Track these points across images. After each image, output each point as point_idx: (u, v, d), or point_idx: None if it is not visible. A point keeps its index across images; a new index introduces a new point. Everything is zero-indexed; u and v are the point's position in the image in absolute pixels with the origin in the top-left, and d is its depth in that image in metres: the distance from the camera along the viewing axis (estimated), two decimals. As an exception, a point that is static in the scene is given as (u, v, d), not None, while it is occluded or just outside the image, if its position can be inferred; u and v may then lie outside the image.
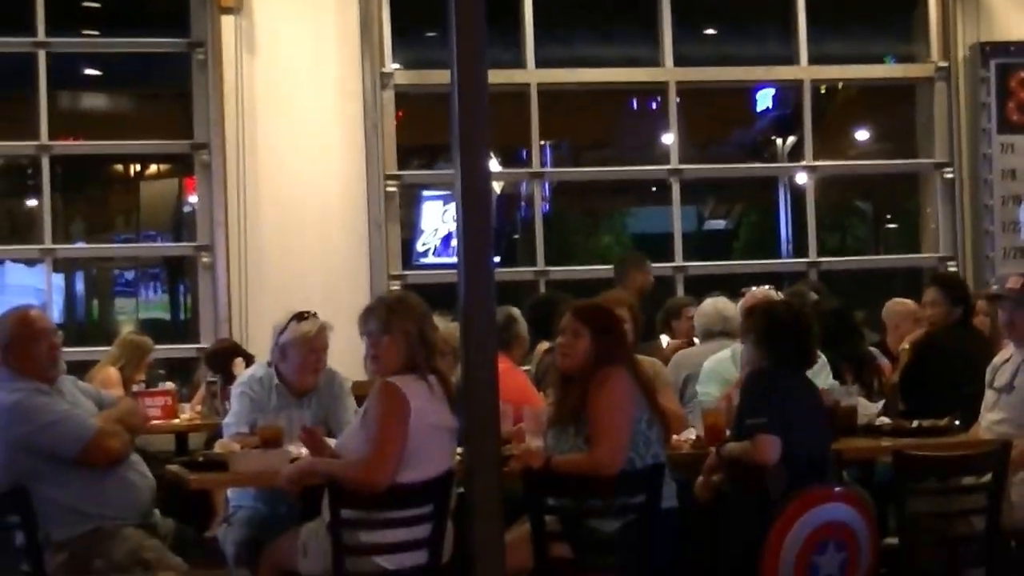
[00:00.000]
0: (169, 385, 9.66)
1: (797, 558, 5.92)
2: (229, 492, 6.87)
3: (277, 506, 6.52)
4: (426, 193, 11.93)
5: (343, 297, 9.38)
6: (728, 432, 6.44)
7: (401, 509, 5.83)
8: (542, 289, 11.04)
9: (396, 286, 10.48)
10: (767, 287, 8.15)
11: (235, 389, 6.92)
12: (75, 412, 6.14)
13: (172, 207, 13.27)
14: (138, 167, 13.96)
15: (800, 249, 12.29)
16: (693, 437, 6.78)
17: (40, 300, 10.40)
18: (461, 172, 5.04)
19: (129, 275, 13.74)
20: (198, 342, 10.62)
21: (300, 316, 6.75)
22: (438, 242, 11.75)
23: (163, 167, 13.50)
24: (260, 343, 9.14)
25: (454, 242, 9.81)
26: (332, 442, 6.18)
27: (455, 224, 5.15)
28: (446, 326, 6.64)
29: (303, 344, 6.71)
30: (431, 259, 11.72)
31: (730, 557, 6.24)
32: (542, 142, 11.90)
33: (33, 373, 6.14)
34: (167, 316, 12.79)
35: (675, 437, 6.63)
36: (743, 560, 6.05)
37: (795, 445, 6.07)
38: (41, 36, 10.64)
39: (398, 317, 5.97)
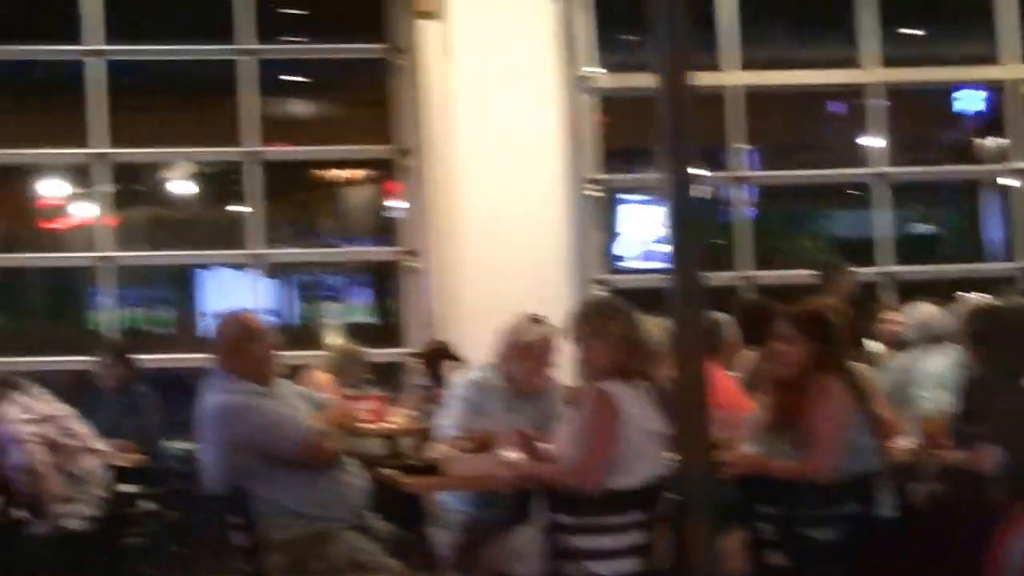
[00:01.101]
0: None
1: (1020, 570, 5.80)
2: (443, 495, 6.91)
3: (490, 510, 6.55)
4: (628, 197, 11.90)
5: (547, 302, 9.29)
6: (947, 439, 6.32)
7: (613, 514, 5.82)
8: (745, 294, 10.94)
9: (599, 291, 10.46)
10: (979, 295, 7.99)
11: (452, 392, 6.97)
12: (291, 413, 6.23)
13: (376, 212, 13.39)
14: (342, 172, 14.10)
15: (1009, 254, 12.02)
16: (908, 444, 6.67)
17: (250, 305, 10.56)
18: (669, 177, 5.01)
19: (335, 279, 13.90)
20: (404, 346, 10.72)
21: (535, 318, 6.80)
22: (641, 247, 11.71)
23: (366, 172, 13.64)
24: (464, 346, 9.26)
25: (657, 247, 9.79)
26: (545, 446, 6.20)
27: (660, 228, 5.13)
28: (654, 326, 6.61)
29: (542, 345, 6.77)
30: (633, 264, 11.68)
31: (950, 568, 6.14)
32: (743, 145, 11.80)
33: (250, 375, 6.25)
34: (373, 320, 12.91)
35: (890, 444, 6.52)
36: (963, 571, 5.95)
37: (1017, 454, 5.95)
38: (246, 43, 10.82)
39: (607, 321, 5.98)
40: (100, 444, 8.09)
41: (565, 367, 6.47)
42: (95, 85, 10.69)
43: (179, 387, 12.25)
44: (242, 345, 6.28)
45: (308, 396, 6.66)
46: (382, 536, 6.40)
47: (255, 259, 10.99)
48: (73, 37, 10.70)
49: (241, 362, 6.26)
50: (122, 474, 7.87)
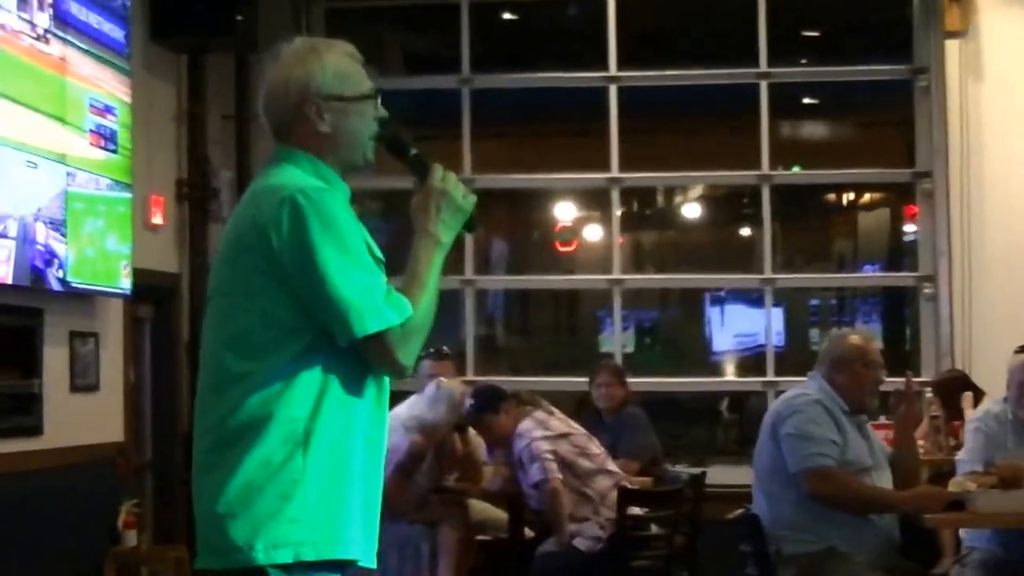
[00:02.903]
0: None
1: None
2: (962, 532, 6.64)
3: (1014, 549, 6.23)
4: None
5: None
6: None
7: None
8: None
9: None
10: None
11: (969, 425, 6.70)
12: (828, 439, 6.04)
13: (890, 236, 13.12)
14: (852, 196, 13.89)
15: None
16: None
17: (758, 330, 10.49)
18: None
19: (843, 304, 13.70)
20: (919, 375, 10.42)
21: None
22: None
23: (878, 195, 13.38)
24: (985, 376, 8.88)
25: None
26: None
27: None
28: None
29: None
30: None
31: None
32: None
33: (846, 394, 6.16)
34: (884, 347, 12.62)
35: None
36: None
37: None
38: (763, 67, 10.73)
39: None
40: (612, 465, 8.15)
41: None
42: (611, 111, 10.81)
43: (682, 410, 12.36)
44: (851, 364, 6.19)
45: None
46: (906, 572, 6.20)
47: (765, 283, 10.86)
48: (595, 64, 10.86)
49: (841, 378, 6.17)
50: (629, 496, 7.90)
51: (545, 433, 8.00)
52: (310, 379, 3.12)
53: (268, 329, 3.12)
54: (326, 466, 3.12)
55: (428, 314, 3.19)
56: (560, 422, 8.16)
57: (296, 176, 3.22)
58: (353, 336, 3.08)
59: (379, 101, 3.36)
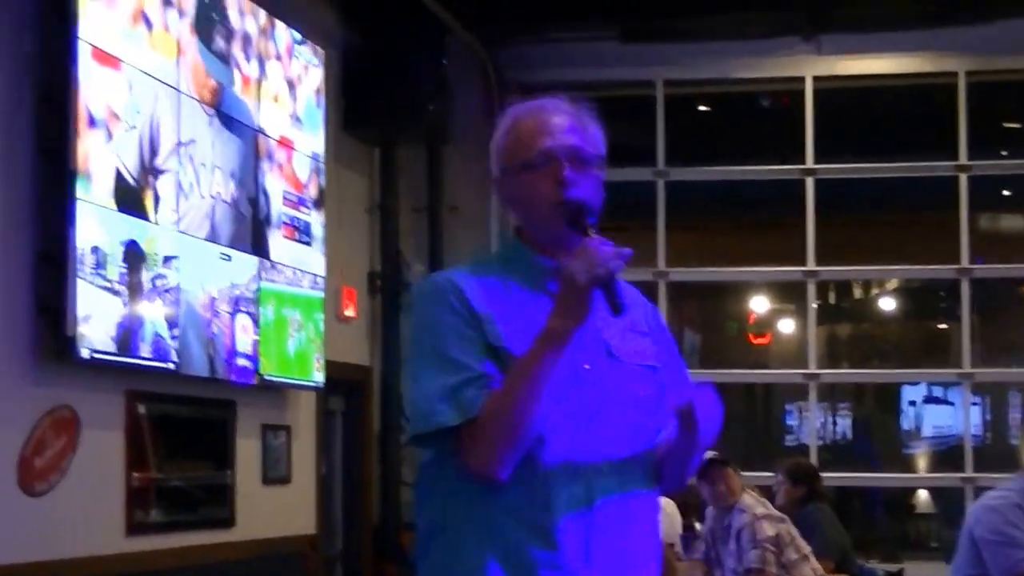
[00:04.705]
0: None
1: None
2: None
3: None
4: None
5: None
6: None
7: None
8: None
9: None
10: None
11: None
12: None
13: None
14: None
15: None
16: None
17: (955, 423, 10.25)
18: None
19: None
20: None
21: None
22: None
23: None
24: None
25: None
26: None
27: None
28: None
29: None
30: None
31: None
32: None
33: None
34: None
35: None
36: None
37: None
38: (962, 159, 10.53)
39: None
40: (815, 560, 8.00)
41: None
42: (808, 204, 10.66)
43: (876, 504, 12.11)
44: None
45: None
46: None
47: (963, 377, 10.60)
48: (790, 156, 10.75)
49: None
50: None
51: (768, 512, 7.91)
52: (443, 481, 2.88)
53: None
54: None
55: (505, 413, 2.73)
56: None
57: (477, 258, 3.09)
58: (409, 437, 2.91)
59: (562, 163, 2.85)
